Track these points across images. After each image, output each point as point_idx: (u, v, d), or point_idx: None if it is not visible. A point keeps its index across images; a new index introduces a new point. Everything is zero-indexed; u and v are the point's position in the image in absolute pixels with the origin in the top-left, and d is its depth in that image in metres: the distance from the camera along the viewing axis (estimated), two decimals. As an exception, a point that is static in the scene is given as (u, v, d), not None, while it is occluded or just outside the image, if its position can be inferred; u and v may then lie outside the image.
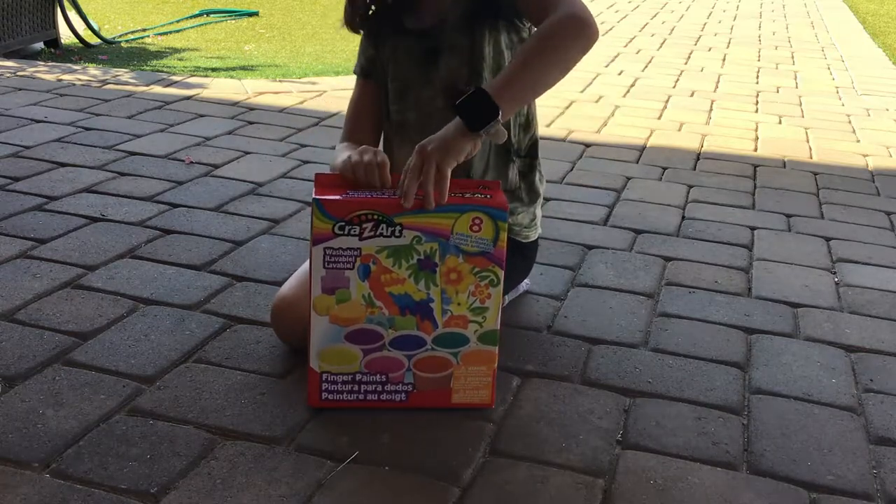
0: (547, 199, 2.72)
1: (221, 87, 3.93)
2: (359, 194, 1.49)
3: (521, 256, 1.95)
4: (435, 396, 1.59)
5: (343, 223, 1.45)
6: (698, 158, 3.32)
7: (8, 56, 4.44)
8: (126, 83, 3.90)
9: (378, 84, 1.87)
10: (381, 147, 1.90)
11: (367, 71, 1.88)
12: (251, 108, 3.61)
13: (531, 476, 1.45)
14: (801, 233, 2.63)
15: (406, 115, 1.82)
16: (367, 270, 1.48)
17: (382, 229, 1.46)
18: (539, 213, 1.97)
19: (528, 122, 1.87)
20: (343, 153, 1.63)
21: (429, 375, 1.57)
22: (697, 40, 6.10)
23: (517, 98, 1.55)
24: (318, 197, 1.46)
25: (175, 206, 2.50)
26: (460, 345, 1.56)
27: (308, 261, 1.79)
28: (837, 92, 4.66)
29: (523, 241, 1.93)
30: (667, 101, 4.19)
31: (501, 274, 1.53)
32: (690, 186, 2.98)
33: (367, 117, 1.89)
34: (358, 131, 1.87)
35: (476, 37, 1.74)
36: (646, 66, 5.03)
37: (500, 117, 1.50)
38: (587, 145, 3.36)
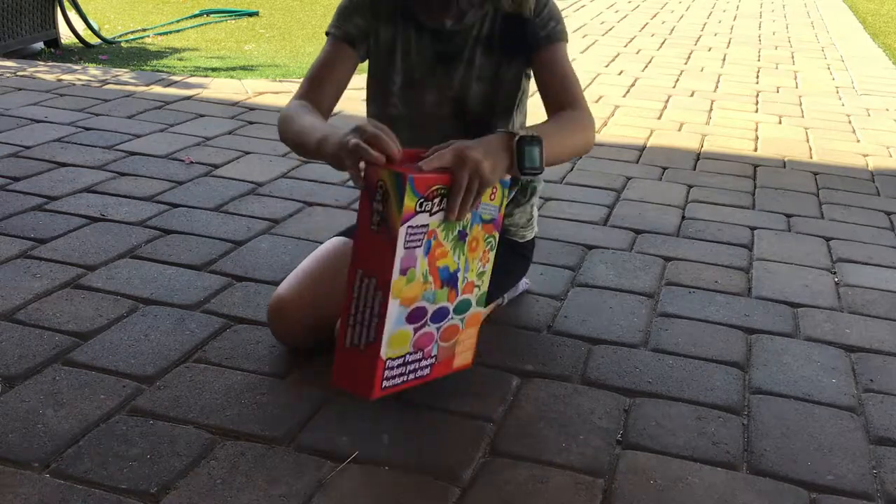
0: (547, 199, 2.72)
1: (221, 87, 3.93)
2: (413, 168, 1.41)
3: (518, 256, 1.95)
4: (444, 365, 1.55)
5: (423, 199, 1.38)
6: (698, 158, 3.32)
7: (8, 56, 4.44)
8: (126, 83, 3.90)
9: (358, 56, 1.77)
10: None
11: (353, 39, 1.75)
12: (251, 108, 3.61)
13: (531, 476, 1.45)
14: (801, 233, 2.63)
15: (401, 110, 1.80)
16: (428, 246, 1.43)
17: (443, 203, 1.41)
18: (535, 212, 1.97)
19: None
20: (326, 129, 1.53)
21: (446, 344, 1.53)
22: (697, 40, 6.10)
23: (549, 158, 1.55)
24: (411, 174, 1.35)
25: (175, 206, 2.50)
26: (467, 309, 1.54)
27: (309, 259, 1.80)
28: (837, 92, 4.66)
29: (520, 240, 1.93)
30: (667, 101, 4.19)
31: (498, 238, 1.54)
32: (690, 186, 2.98)
33: (331, 85, 1.76)
34: (320, 96, 1.74)
35: (502, 64, 1.75)
36: (646, 66, 5.02)
37: (541, 172, 1.52)
38: (587, 145, 3.36)
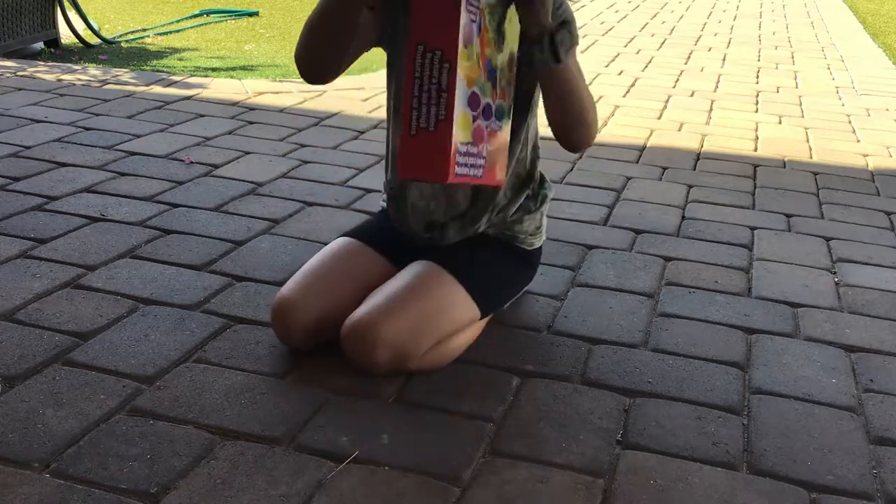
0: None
1: (221, 87, 3.93)
2: None
3: (525, 265, 1.95)
4: (490, 172, 1.49)
5: None
6: (698, 158, 3.32)
7: (8, 56, 4.44)
8: (126, 83, 3.90)
9: (378, 25, 1.71)
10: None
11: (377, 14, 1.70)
12: (251, 108, 3.61)
13: (531, 476, 1.45)
14: (801, 233, 2.63)
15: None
16: (479, 26, 1.39)
17: None
18: (544, 221, 1.96)
19: (536, 145, 1.89)
20: None
21: (492, 148, 1.48)
22: (697, 40, 6.09)
23: (566, 83, 1.59)
24: None
25: (175, 206, 2.50)
26: (502, 117, 1.49)
27: (314, 260, 1.81)
28: (837, 92, 4.66)
29: (528, 248, 1.92)
30: (667, 101, 4.19)
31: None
32: (690, 186, 2.98)
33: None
34: None
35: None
36: (646, 66, 5.02)
37: (565, 60, 1.54)
38: (587, 145, 3.36)
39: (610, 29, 6.35)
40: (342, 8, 1.55)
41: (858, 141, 3.71)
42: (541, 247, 1.98)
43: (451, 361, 1.76)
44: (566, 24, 1.54)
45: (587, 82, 1.68)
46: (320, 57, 1.64)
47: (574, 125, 1.68)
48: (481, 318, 1.82)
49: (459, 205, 1.81)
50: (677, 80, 4.72)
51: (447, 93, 1.35)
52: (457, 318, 1.74)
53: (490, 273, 1.84)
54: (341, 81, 4.17)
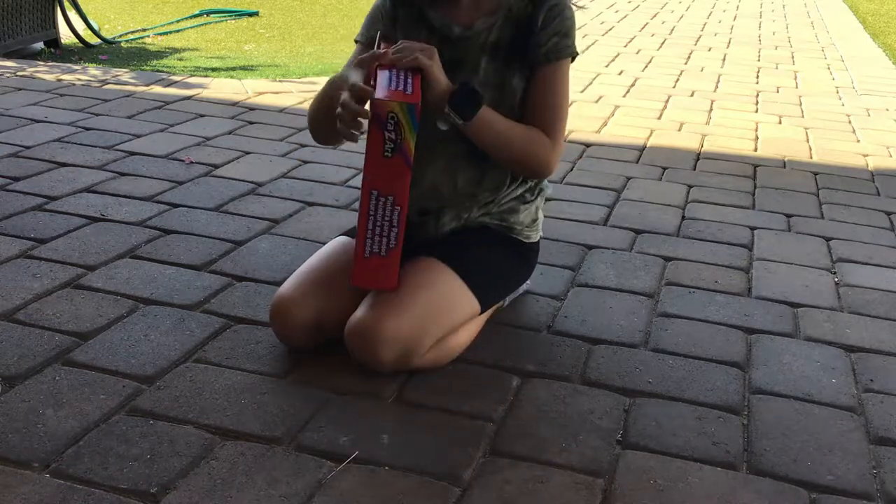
0: (547, 199, 2.71)
1: (221, 87, 3.93)
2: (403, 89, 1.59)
3: (523, 260, 1.95)
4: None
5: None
6: (698, 158, 3.32)
7: (8, 56, 4.44)
8: (126, 83, 3.90)
9: None
10: None
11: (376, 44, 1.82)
12: (251, 108, 3.61)
13: (531, 476, 1.45)
14: (801, 233, 2.63)
15: None
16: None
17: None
18: (541, 215, 1.96)
19: None
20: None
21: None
22: (697, 40, 6.09)
23: (484, 132, 1.70)
24: (415, 102, 1.53)
25: (175, 206, 2.50)
26: None
27: (312, 260, 1.81)
28: (837, 92, 4.66)
29: (525, 240, 1.92)
30: (667, 101, 4.19)
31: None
32: (690, 186, 2.98)
33: None
34: None
35: (508, 72, 1.76)
36: (646, 66, 5.02)
37: (470, 122, 1.65)
38: (587, 145, 3.36)
39: (610, 29, 6.35)
40: (329, 110, 1.66)
41: (858, 141, 3.71)
42: (538, 242, 1.98)
43: (452, 361, 1.76)
44: (464, 86, 1.64)
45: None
46: (326, 139, 1.83)
47: (513, 163, 1.80)
48: (482, 312, 1.82)
49: (454, 198, 1.82)
50: (677, 80, 4.72)
51: (398, 229, 1.62)
52: (458, 313, 1.74)
53: (489, 267, 1.84)
54: (341, 81, 4.17)
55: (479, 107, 1.66)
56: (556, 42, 1.75)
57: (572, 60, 1.81)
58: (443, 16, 1.78)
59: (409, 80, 1.60)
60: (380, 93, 1.55)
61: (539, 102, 1.78)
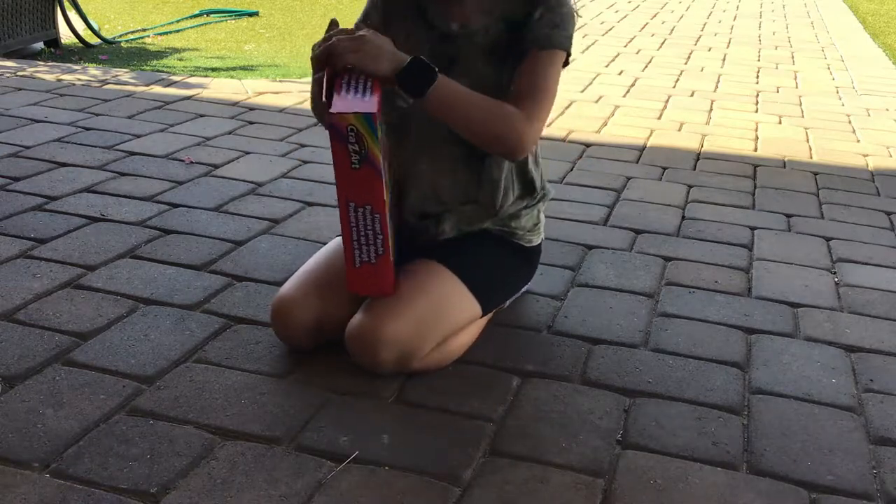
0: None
1: (221, 87, 3.93)
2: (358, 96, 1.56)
3: (525, 263, 1.94)
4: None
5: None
6: (698, 158, 3.32)
7: (8, 56, 4.44)
8: (126, 83, 3.90)
9: None
10: None
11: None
12: (251, 108, 3.61)
13: (531, 476, 1.45)
14: (801, 233, 2.63)
15: (408, 107, 1.79)
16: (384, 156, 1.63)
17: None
18: (543, 218, 1.96)
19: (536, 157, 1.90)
20: None
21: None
22: (697, 40, 6.09)
23: (441, 108, 1.62)
24: (372, 111, 1.50)
25: (175, 206, 2.50)
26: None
27: (313, 260, 1.81)
28: (837, 92, 4.66)
29: (526, 244, 1.92)
30: (667, 101, 4.19)
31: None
32: (690, 186, 2.98)
33: None
34: None
35: (506, 72, 1.73)
36: (646, 66, 5.02)
37: (423, 97, 1.59)
38: (587, 145, 3.36)
39: (610, 29, 6.35)
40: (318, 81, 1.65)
41: (858, 141, 3.71)
42: (540, 245, 1.97)
43: (452, 361, 1.76)
44: (414, 61, 1.57)
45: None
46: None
47: (481, 136, 1.69)
48: (482, 316, 1.82)
49: (453, 201, 1.82)
50: (677, 80, 4.72)
51: (382, 236, 1.60)
52: (459, 316, 1.74)
53: (491, 270, 1.83)
54: (341, 81, 4.16)
55: (432, 81, 1.59)
56: (548, 32, 1.70)
57: (567, 63, 1.75)
58: (441, 12, 1.77)
59: (367, 84, 1.56)
60: (335, 106, 1.51)
61: (520, 83, 1.69)
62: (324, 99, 1.56)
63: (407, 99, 1.65)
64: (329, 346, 1.75)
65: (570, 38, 1.73)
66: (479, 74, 1.73)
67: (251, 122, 3.40)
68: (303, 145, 3.15)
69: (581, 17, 1.75)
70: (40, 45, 4.80)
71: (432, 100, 1.60)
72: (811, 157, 3.42)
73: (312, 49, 1.61)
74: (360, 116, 1.48)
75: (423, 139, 1.78)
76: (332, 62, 1.56)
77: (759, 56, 5.61)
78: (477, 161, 1.79)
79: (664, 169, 3.15)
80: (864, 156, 3.49)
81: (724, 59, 5.41)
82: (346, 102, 1.52)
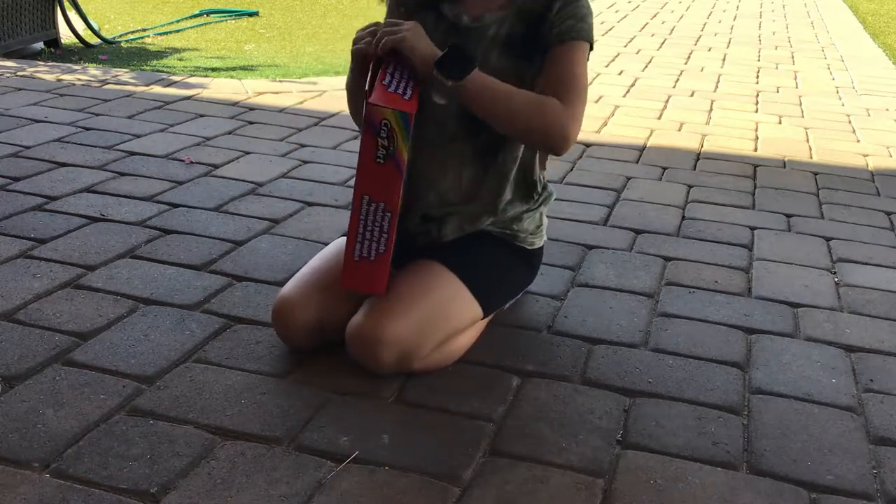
0: (547, 199, 2.72)
1: (221, 87, 3.93)
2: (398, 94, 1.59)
3: (526, 265, 1.94)
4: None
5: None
6: (698, 158, 3.32)
7: (8, 56, 4.44)
8: (126, 83, 3.90)
9: None
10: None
11: None
12: (251, 108, 3.61)
13: (531, 476, 1.45)
14: (801, 233, 2.63)
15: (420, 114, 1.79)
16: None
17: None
18: (545, 221, 1.96)
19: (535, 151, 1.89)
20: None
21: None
22: (697, 40, 6.10)
23: (482, 96, 1.64)
24: (408, 111, 1.53)
25: (175, 206, 2.50)
26: None
27: (314, 261, 1.81)
28: (837, 92, 4.66)
29: (528, 247, 1.92)
30: (667, 101, 4.19)
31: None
32: (690, 186, 2.98)
33: None
34: None
35: (522, 67, 1.73)
36: (646, 66, 5.02)
37: (462, 82, 1.60)
38: (587, 145, 3.36)
39: (610, 29, 6.35)
40: (358, 74, 1.70)
41: (858, 141, 3.71)
42: (542, 247, 1.97)
43: (452, 362, 1.76)
44: (452, 47, 1.60)
45: (592, 82, 1.69)
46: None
47: (524, 131, 1.70)
48: (483, 318, 1.82)
49: (457, 201, 1.81)
50: (677, 80, 4.72)
51: (388, 235, 1.61)
52: (460, 317, 1.74)
53: (492, 272, 1.83)
54: (341, 81, 4.17)
55: (471, 67, 1.61)
56: (571, 24, 1.71)
57: (590, 51, 1.76)
58: (455, 5, 1.78)
59: (409, 85, 1.58)
60: (374, 97, 1.53)
61: (551, 77, 1.71)
62: (366, 88, 1.58)
63: (444, 92, 1.63)
64: (329, 346, 1.75)
65: (592, 29, 1.76)
66: (495, 68, 1.71)
67: (251, 122, 3.40)
68: (303, 145, 3.15)
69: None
70: (40, 45, 4.80)
71: (471, 88, 1.62)
72: (811, 157, 3.42)
73: (353, 42, 1.64)
74: (396, 113, 1.51)
75: (430, 139, 1.78)
76: (379, 42, 1.60)
77: (759, 56, 5.61)
78: (488, 158, 1.79)
79: (664, 169, 3.15)
80: (864, 156, 3.49)
81: (724, 59, 5.41)
82: (387, 96, 1.54)
